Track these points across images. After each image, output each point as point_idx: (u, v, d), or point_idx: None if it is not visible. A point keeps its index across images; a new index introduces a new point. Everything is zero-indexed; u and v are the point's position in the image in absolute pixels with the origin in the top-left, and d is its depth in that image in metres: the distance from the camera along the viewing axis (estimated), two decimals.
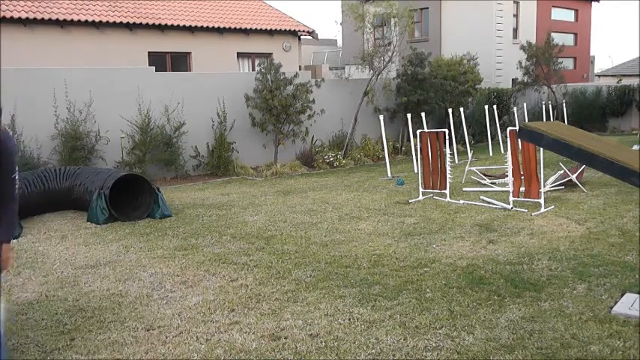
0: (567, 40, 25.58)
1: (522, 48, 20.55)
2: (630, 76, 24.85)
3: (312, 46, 28.80)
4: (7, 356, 3.17)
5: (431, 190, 8.78)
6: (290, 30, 18.14)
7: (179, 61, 16.35)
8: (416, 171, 11.26)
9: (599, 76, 31.13)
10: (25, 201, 7.06)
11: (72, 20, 14.06)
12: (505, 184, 9.05)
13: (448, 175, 8.63)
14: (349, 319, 4.11)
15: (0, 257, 3.09)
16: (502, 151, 14.10)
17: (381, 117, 12.19)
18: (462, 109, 14.55)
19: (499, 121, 16.53)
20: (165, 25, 15.62)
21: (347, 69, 18.54)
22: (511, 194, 7.86)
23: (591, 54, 29.99)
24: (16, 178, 3.15)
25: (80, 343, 3.84)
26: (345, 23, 16.49)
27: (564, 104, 19.97)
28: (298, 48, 18.89)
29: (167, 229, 7.13)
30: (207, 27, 16.32)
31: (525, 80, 20.58)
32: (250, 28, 17.16)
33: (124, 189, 7.89)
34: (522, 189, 7.90)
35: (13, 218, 3.21)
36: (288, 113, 12.66)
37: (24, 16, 13.42)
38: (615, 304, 4.22)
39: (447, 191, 8.55)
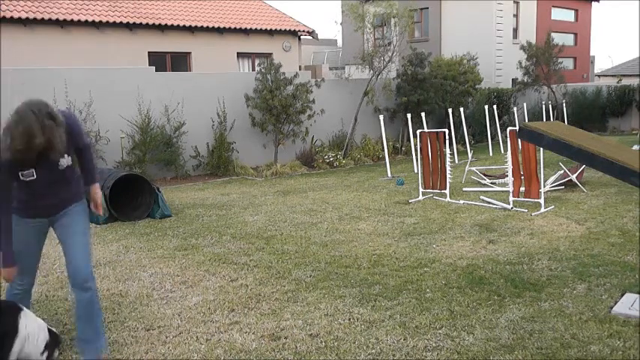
0: (567, 40, 25.60)
1: (522, 48, 20.54)
2: (630, 76, 24.85)
3: (312, 46, 28.81)
4: None
5: (431, 190, 8.79)
6: (290, 30, 18.15)
7: (179, 61, 16.36)
8: (416, 171, 11.26)
9: (599, 76, 31.14)
10: None
11: (72, 20, 14.07)
12: (505, 184, 9.05)
13: (448, 175, 8.63)
14: (349, 319, 4.11)
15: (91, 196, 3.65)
16: (502, 151, 14.10)
17: (381, 117, 12.19)
18: (462, 109, 14.55)
19: (499, 121, 16.53)
20: (165, 25, 15.63)
21: (347, 69, 18.54)
22: (511, 194, 7.86)
23: (591, 54, 30.00)
24: (87, 140, 3.62)
25: None
26: (345, 23, 16.49)
27: (564, 104, 19.96)
28: (298, 48, 18.89)
29: (167, 229, 7.13)
30: (207, 27, 16.34)
31: (525, 80, 20.58)
32: (250, 28, 17.17)
33: (124, 189, 7.88)
34: (522, 189, 7.91)
35: (94, 167, 3.70)
36: (288, 113, 12.67)
37: (24, 16, 13.43)
38: (615, 304, 4.22)
39: (447, 191, 8.55)
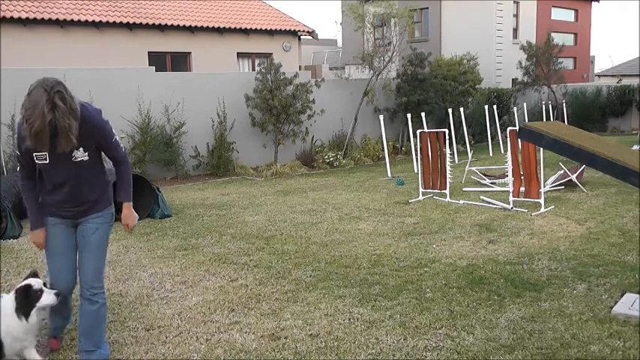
0: (567, 40, 25.58)
1: (522, 48, 20.55)
2: (630, 76, 24.85)
3: (312, 46, 28.78)
4: None
5: (431, 190, 8.78)
6: (290, 30, 18.15)
7: (179, 61, 16.36)
8: (416, 171, 11.26)
9: (599, 76, 31.13)
10: None
11: (72, 20, 14.07)
12: (505, 184, 9.05)
13: (448, 175, 8.63)
14: (349, 319, 4.11)
15: (121, 216, 3.53)
16: (502, 151, 14.11)
17: (381, 117, 12.19)
18: (462, 109, 14.55)
19: (499, 121, 16.54)
20: (165, 25, 15.63)
21: (347, 69, 18.55)
22: (511, 194, 7.86)
23: (591, 54, 29.97)
24: (118, 140, 3.39)
25: None
26: (345, 23, 16.49)
27: (564, 104, 19.97)
28: (298, 48, 18.89)
29: (167, 229, 7.13)
30: (207, 27, 16.33)
31: (525, 80, 20.58)
32: (250, 28, 17.17)
33: None
34: (522, 189, 7.90)
35: (128, 180, 3.53)
36: (288, 113, 12.67)
37: (24, 16, 13.43)
38: (615, 304, 4.22)
39: (447, 191, 8.55)
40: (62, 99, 2.90)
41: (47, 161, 3.16)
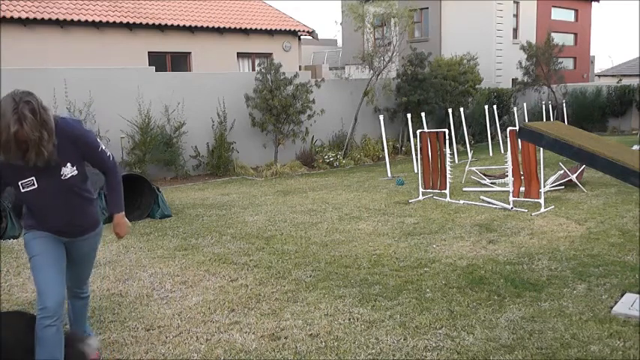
0: (567, 40, 25.57)
1: (522, 48, 20.55)
2: (630, 76, 24.85)
3: (312, 46, 28.77)
4: None
5: (431, 190, 8.78)
6: (290, 30, 18.15)
7: (179, 61, 16.36)
8: (416, 171, 11.26)
9: (599, 76, 31.13)
10: None
11: (72, 20, 14.07)
12: (505, 184, 9.05)
13: (448, 175, 8.63)
14: (349, 319, 4.11)
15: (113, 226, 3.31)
16: (502, 151, 14.10)
17: (381, 117, 12.19)
18: (462, 109, 14.55)
19: (499, 121, 16.54)
20: (165, 25, 15.63)
21: (347, 69, 18.55)
22: (511, 194, 7.86)
23: (591, 54, 29.97)
24: (104, 149, 3.20)
25: None
26: (345, 23, 16.50)
27: (564, 104, 19.97)
28: (298, 48, 18.89)
29: (167, 229, 7.13)
30: (207, 27, 16.34)
31: (525, 80, 20.58)
32: (250, 28, 17.17)
33: (124, 189, 7.87)
34: (522, 189, 7.90)
35: (119, 191, 3.34)
36: (288, 113, 12.67)
37: (24, 16, 13.43)
38: (615, 304, 4.22)
39: (447, 191, 8.55)
40: (31, 110, 2.74)
41: (36, 186, 2.99)
